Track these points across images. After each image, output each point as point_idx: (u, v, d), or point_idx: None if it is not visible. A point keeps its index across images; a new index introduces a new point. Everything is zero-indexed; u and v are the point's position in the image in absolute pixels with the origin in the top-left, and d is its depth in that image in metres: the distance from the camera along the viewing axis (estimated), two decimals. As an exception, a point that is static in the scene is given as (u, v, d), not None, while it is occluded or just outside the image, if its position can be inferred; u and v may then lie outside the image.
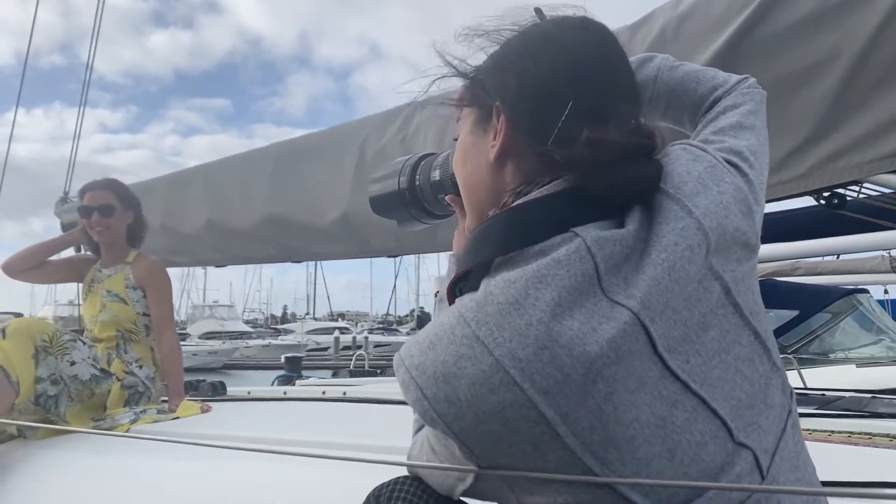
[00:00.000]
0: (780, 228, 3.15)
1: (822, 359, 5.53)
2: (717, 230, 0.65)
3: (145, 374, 2.28)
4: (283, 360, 5.77)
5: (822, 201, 1.92)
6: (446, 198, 0.93)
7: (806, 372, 4.32)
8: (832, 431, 1.51)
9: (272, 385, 3.89)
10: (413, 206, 0.98)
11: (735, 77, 0.90)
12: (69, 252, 2.74)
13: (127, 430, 1.96)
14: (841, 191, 1.90)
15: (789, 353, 5.41)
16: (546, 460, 0.60)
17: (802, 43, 1.62)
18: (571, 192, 0.67)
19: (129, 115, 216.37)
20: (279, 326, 46.31)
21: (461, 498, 0.73)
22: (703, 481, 0.59)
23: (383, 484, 0.80)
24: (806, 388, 2.46)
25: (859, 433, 1.48)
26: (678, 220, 0.65)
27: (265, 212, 2.90)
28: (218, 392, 2.65)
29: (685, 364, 0.62)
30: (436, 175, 0.95)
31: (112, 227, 2.37)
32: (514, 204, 0.70)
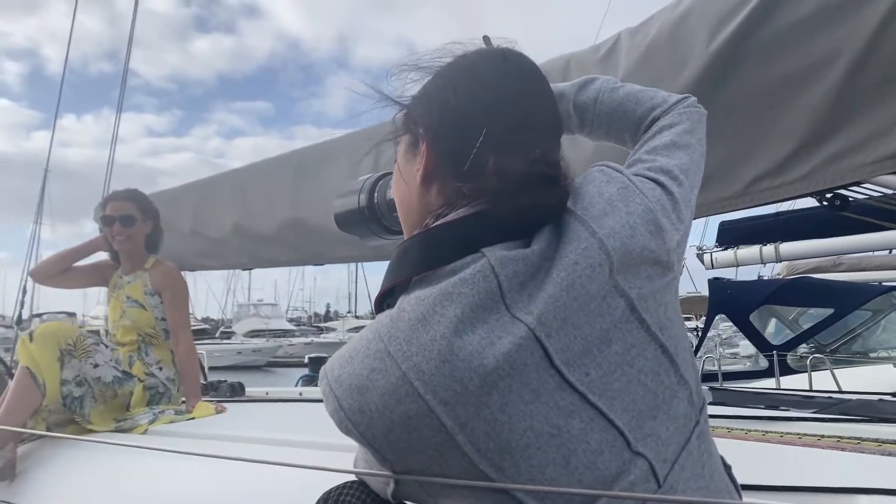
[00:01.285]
0: (792, 228, 3.10)
1: (860, 358, 5.37)
2: (622, 250, 0.68)
3: (165, 375, 2.38)
4: (306, 360, 5.91)
5: (825, 202, 1.91)
6: None
7: (841, 372, 4.20)
8: (822, 436, 1.50)
9: (296, 385, 3.99)
10: (372, 222, 1.03)
11: (675, 97, 0.93)
12: (101, 255, 2.84)
13: (145, 430, 2.06)
14: (843, 192, 1.89)
15: (826, 353, 5.28)
16: (449, 466, 0.64)
17: (802, 44, 1.61)
18: (482, 215, 0.71)
19: (174, 119, 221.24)
20: (322, 324, 47.08)
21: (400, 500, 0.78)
22: (597, 489, 0.63)
23: (332, 488, 0.85)
24: (812, 391, 2.43)
25: (848, 437, 1.47)
26: (581, 240, 0.68)
27: (287, 216, 2.98)
28: (236, 393, 2.75)
29: (584, 377, 0.65)
30: (391, 194, 1.00)
31: (132, 236, 2.47)
32: (432, 225, 0.74)
